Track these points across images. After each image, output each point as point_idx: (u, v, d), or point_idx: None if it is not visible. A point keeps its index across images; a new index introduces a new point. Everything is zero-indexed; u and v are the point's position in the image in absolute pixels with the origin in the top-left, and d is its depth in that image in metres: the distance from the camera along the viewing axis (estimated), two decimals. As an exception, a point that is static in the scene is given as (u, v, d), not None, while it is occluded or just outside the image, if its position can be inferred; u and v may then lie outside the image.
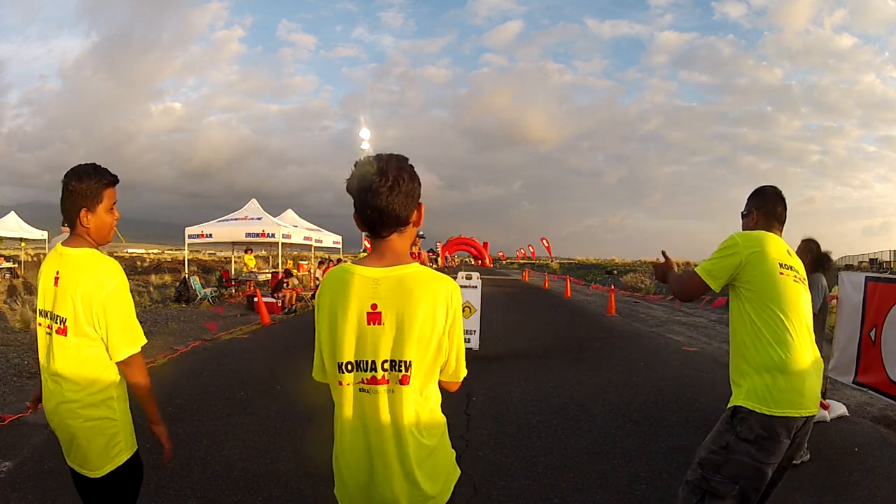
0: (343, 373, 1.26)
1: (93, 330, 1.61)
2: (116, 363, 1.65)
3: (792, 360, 1.75)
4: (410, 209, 1.30)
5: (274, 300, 11.39)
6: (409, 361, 1.23)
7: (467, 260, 62.62)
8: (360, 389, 1.25)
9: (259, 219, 14.46)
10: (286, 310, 11.44)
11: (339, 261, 18.82)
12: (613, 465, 3.33)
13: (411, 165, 1.31)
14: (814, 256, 3.54)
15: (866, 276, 4.65)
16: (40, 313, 1.71)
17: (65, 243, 1.69)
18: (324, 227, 18.50)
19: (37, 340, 1.74)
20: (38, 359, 1.76)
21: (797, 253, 2.05)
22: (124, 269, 1.71)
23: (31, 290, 13.98)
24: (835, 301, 4.98)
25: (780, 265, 1.86)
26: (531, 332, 8.89)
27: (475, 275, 7.54)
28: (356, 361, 1.25)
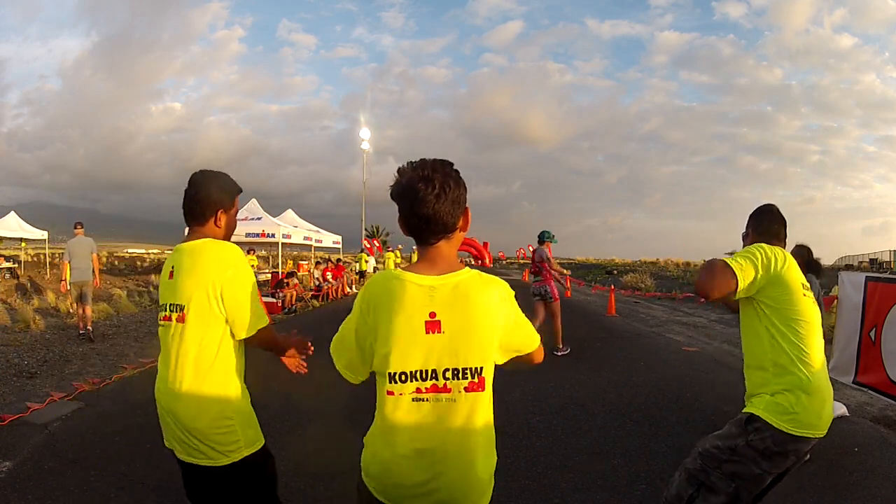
0: (396, 383, 1.22)
1: (217, 311, 1.63)
2: (248, 340, 1.69)
3: (815, 382, 1.74)
4: (457, 216, 1.29)
5: (274, 300, 11.39)
6: (478, 367, 1.23)
7: (467, 260, 62.62)
8: (414, 399, 1.22)
9: (259, 219, 14.46)
10: (286, 310, 11.45)
11: (338, 261, 18.83)
12: (613, 465, 3.33)
13: (457, 171, 1.29)
14: (804, 262, 3.54)
15: (866, 276, 4.66)
16: (160, 309, 1.76)
17: (186, 240, 1.75)
18: (324, 227, 18.51)
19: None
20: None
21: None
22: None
23: (41, 290, 13.98)
24: (835, 302, 4.99)
25: (803, 285, 1.85)
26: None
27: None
28: (416, 371, 1.22)
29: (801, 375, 1.74)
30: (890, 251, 35.47)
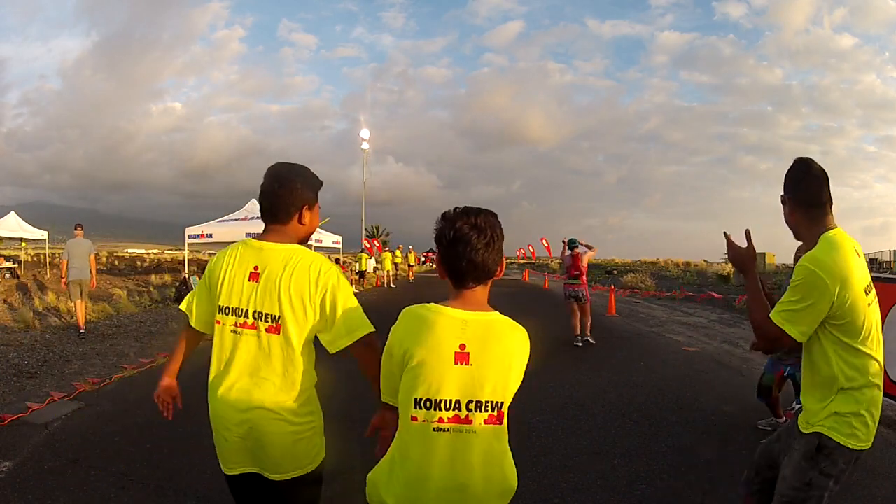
0: (420, 409, 1.28)
1: (312, 321, 1.52)
2: (350, 349, 1.54)
3: (877, 397, 1.68)
4: (499, 263, 1.38)
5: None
6: (499, 402, 1.31)
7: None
8: (434, 430, 1.27)
9: (259, 218, 14.48)
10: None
11: (337, 260, 18.82)
12: (613, 465, 3.33)
13: (499, 221, 1.38)
14: None
15: (866, 276, 4.65)
16: (224, 310, 1.57)
17: (261, 238, 1.61)
18: (323, 227, 18.52)
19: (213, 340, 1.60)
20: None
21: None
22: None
23: (41, 290, 13.98)
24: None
25: (865, 290, 1.64)
26: (531, 332, 8.86)
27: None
28: (439, 400, 1.27)
29: (872, 394, 1.65)
30: (890, 251, 35.46)
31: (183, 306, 1.75)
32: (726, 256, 1.90)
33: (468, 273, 1.33)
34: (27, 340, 7.28)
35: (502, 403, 1.31)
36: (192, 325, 1.73)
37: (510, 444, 1.45)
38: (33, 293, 13.15)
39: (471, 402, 1.27)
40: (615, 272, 28.06)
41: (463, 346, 1.28)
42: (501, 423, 1.33)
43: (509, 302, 14.75)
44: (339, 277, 1.57)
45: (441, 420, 1.27)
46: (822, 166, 1.75)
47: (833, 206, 1.75)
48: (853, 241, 1.72)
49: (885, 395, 4.24)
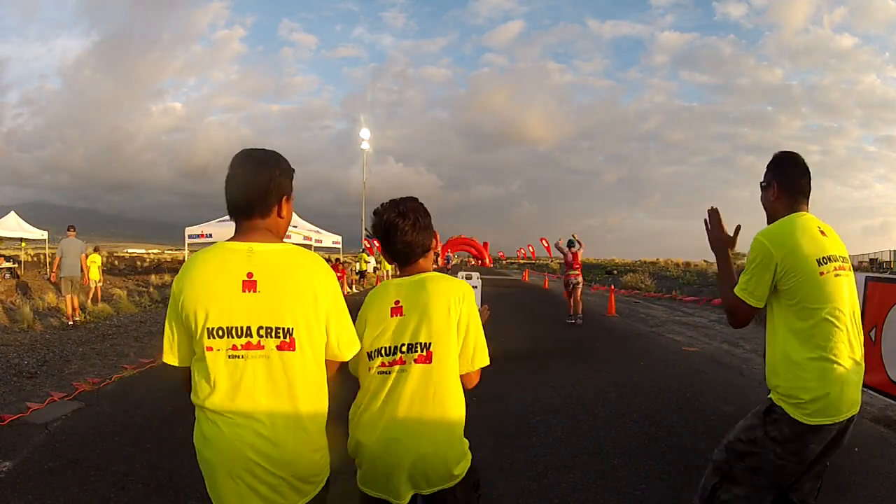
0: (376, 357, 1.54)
1: (323, 332, 1.36)
2: (345, 362, 1.47)
3: (831, 370, 1.67)
4: (430, 238, 1.63)
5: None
6: (428, 343, 1.51)
7: (467, 260, 62.65)
8: (379, 372, 1.53)
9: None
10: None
11: (337, 261, 18.82)
12: (613, 465, 3.33)
13: (422, 204, 1.63)
14: None
15: (866, 276, 4.66)
16: (214, 333, 1.28)
17: (244, 240, 1.35)
18: (324, 227, 18.53)
19: (196, 367, 1.34)
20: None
21: None
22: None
23: (41, 290, 13.96)
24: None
25: (819, 261, 1.71)
26: (531, 332, 8.89)
27: (475, 275, 7.57)
28: (387, 347, 1.53)
29: (816, 367, 1.67)
30: (890, 251, 35.45)
31: (167, 357, 1.39)
32: (706, 230, 1.97)
33: (405, 253, 1.59)
34: (27, 340, 7.28)
35: (430, 345, 1.52)
36: (185, 364, 1.40)
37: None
38: (33, 293, 13.13)
39: (402, 344, 1.52)
40: (615, 272, 28.04)
41: (397, 302, 1.55)
42: (428, 362, 1.54)
43: (509, 302, 14.75)
44: (336, 283, 1.44)
45: (383, 364, 1.53)
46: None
47: (810, 202, 1.88)
48: (822, 224, 1.82)
49: (884, 395, 4.24)
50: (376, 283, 21.44)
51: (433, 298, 1.52)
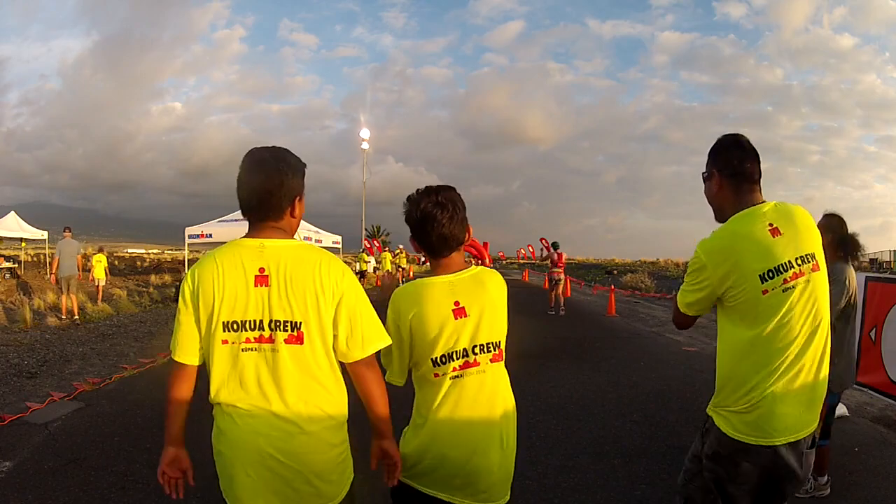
0: (439, 366, 1.46)
1: (332, 328, 1.35)
2: (354, 365, 1.38)
3: (763, 389, 1.51)
4: (465, 231, 1.54)
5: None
6: (498, 341, 1.52)
7: (468, 260, 62.56)
8: (453, 377, 1.47)
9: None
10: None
11: (339, 261, 18.80)
12: (613, 465, 3.33)
13: (459, 195, 1.55)
14: (836, 237, 2.74)
15: (866, 276, 4.65)
16: (230, 327, 1.32)
17: (257, 236, 1.38)
18: (324, 227, 18.54)
19: (211, 362, 1.36)
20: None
21: None
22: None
23: (41, 289, 13.96)
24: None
25: (763, 276, 1.50)
26: (531, 332, 8.88)
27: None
28: (456, 351, 1.46)
29: (749, 381, 1.52)
30: (890, 251, 35.45)
31: (177, 354, 1.42)
32: None
33: (439, 245, 1.50)
34: (27, 340, 7.28)
35: (500, 343, 1.53)
36: (194, 362, 1.43)
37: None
38: (34, 293, 13.13)
39: (475, 346, 1.47)
40: (615, 272, 28.05)
41: (457, 303, 1.47)
42: (501, 359, 1.55)
43: (509, 301, 14.70)
44: (354, 277, 1.43)
45: (455, 368, 1.47)
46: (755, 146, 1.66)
47: (762, 183, 1.64)
48: (777, 217, 1.56)
49: (884, 395, 4.23)
50: (377, 282, 21.48)
51: (494, 294, 1.53)
